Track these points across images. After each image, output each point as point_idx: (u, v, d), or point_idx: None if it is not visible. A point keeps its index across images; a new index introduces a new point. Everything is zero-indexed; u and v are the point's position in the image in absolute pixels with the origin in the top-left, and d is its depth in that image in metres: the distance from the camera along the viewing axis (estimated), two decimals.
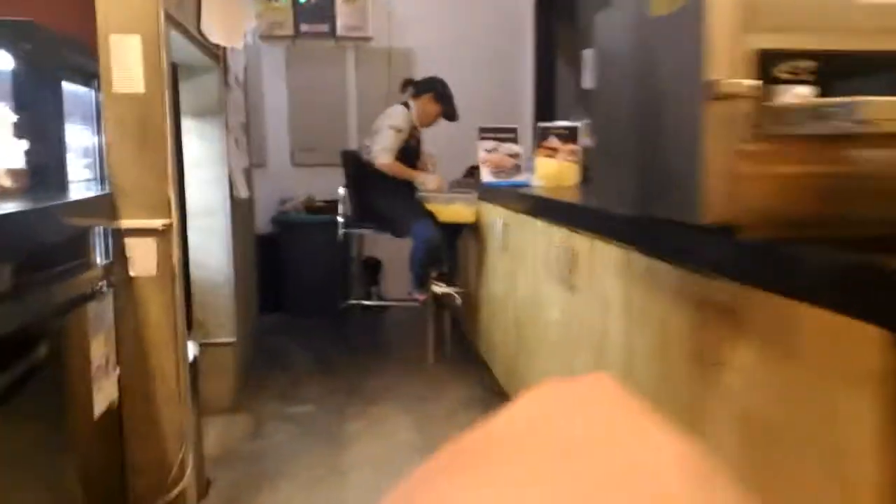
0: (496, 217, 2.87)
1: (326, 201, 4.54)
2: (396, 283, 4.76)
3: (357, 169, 3.44)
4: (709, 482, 0.20)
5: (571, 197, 2.49)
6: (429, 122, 3.49)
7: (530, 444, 0.22)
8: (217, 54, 2.65)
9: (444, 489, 0.21)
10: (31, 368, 1.32)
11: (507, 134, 3.31)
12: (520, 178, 3.23)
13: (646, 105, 1.23)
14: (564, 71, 4.88)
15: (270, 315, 4.36)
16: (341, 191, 3.46)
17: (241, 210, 3.11)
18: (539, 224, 2.23)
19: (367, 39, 4.78)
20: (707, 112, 1.05)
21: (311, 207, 4.50)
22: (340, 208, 3.45)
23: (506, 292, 2.71)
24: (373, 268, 4.67)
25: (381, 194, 3.30)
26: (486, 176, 3.23)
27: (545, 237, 2.17)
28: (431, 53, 4.81)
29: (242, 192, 2.84)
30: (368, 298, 4.60)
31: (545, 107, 4.84)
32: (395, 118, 3.32)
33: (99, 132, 2.19)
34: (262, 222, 4.54)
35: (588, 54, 3.84)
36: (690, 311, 1.24)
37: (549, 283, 2.12)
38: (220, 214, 2.72)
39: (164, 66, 1.84)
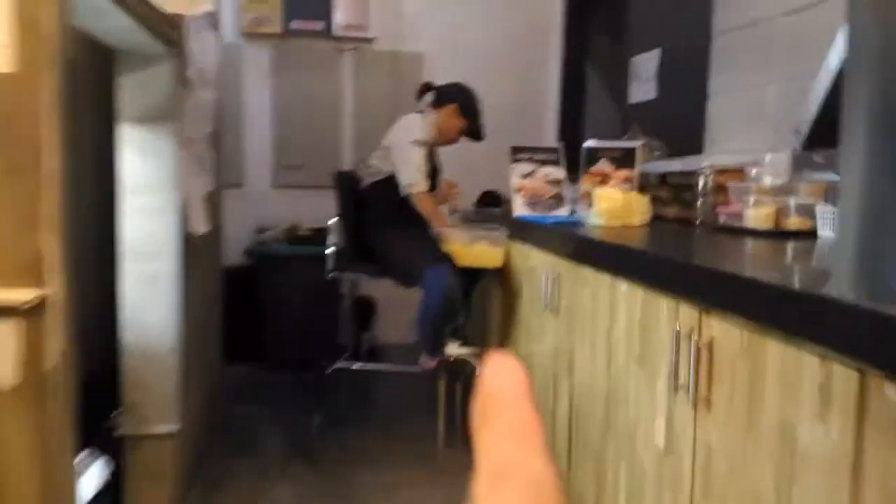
0: (538, 265, 2.16)
1: (313, 230, 3.82)
2: (393, 328, 4.03)
3: (353, 195, 2.72)
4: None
5: (637, 240, 1.79)
6: (449, 140, 2.78)
7: None
8: (171, 38, 1.94)
9: None
10: None
11: (546, 155, 2.61)
12: (560, 212, 2.52)
13: None
14: (596, 84, 4.21)
15: (239, 366, 3.62)
16: (332, 222, 2.73)
17: (200, 246, 2.38)
18: (624, 288, 1.52)
19: (368, 41, 4.10)
20: None
21: (294, 237, 3.78)
22: (330, 242, 2.71)
23: (554, 371, 1.99)
24: (365, 310, 3.95)
25: (385, 229, 2.58)
26: (519, 208, 2.52)
27: (636, 308, 1.46)
28: (443, 59, 4.13)
29: (199, 227, 2.12)
30: (358, 345, 3.87)
31: (572, 124, 4.16)
32: (416, 130, 2.62)
33: None
34: (235, 253, 3.81)
35: (643, 61, 3.16)
36: None
37: (648, 382, 1.40)
38: (167, 257, 1.99)
39: (55, 32, 1.12)
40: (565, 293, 1.90)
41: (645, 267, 1.41)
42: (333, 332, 3.71)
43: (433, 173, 2.72)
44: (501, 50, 4.27)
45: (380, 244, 2.54)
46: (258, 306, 3.72)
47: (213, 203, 2.77)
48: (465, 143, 2.93)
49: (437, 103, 2.77)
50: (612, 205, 2.06)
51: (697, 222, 2.19)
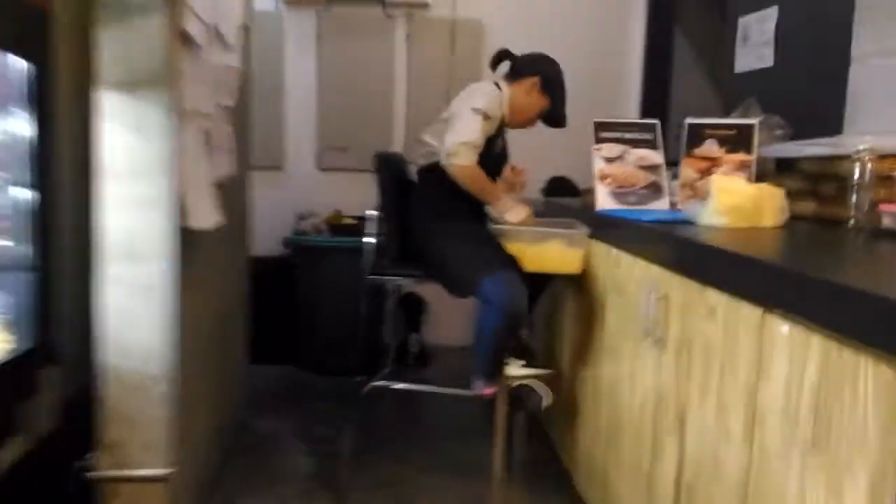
0: (634, 277, 1.66)
1: (359, 218, 3.40)
2: (445, 329, 3.59)
3: (398, 182, 2.26)
4: None
5: (788, 252, 1.27)
6: (524, 121, 2.27)
7: None
8: None
9: None
10: None
11: (640, 133, 2.09)
12: (657, 206, 2.00)
13: None
14: (686, 51, 3.62)
15: (269, 367, 3.26)
16: (370, 214, 2.28)
17: (212, 242, 1.97)
18: (785, 330, 1.01)
19: (423, 6, 3.62)
20: None
21: (337, 226, 3.36)
22: (368, 238, 2.26)
23: (653, 420, 1.49)
24: (414, 308, 3.51)
25: (436, 225, 2.11)
26: (604, 200, 2.01)
27: (810, 366, 0.95)
28: (507, 27, 3.62)
29: (203, 220, 1.69)
30: (405, 348, 3.45)
31: (659, 99, 3.59)
32: (484, 98, 2.11)
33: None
34: (273, 242, 3.43)
35: (755, 21, 2.58)
36: None
37: (834, 487, 0.89)
38: (158, 260, 1.58)
39: None
40: (677, 320, 1.39)
41: (836, 305, 0.89)
42: (377, 332, 3.29)
43: (498, 159, 2.22)
44: (573, 14, 3.72)
45: (428, 243, 2.07)
46: (294, 302, 3.34)
47: (235, 190, 2.36)
48: None
49: (515, 75, 2.26)
50: (738, 200, 1.53)
51: (850, 223, 1.64)
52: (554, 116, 2.23)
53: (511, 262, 1.94)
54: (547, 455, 2.34)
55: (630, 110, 3.69)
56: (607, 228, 1.89)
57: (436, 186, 2.14)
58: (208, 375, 2.01)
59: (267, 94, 3.52)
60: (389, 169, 2.23)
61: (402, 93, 3.69)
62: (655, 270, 1.49)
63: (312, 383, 3.15)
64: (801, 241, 1.44)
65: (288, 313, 3.35)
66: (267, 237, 3.46)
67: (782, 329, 1.01)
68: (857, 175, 1.62)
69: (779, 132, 2.19)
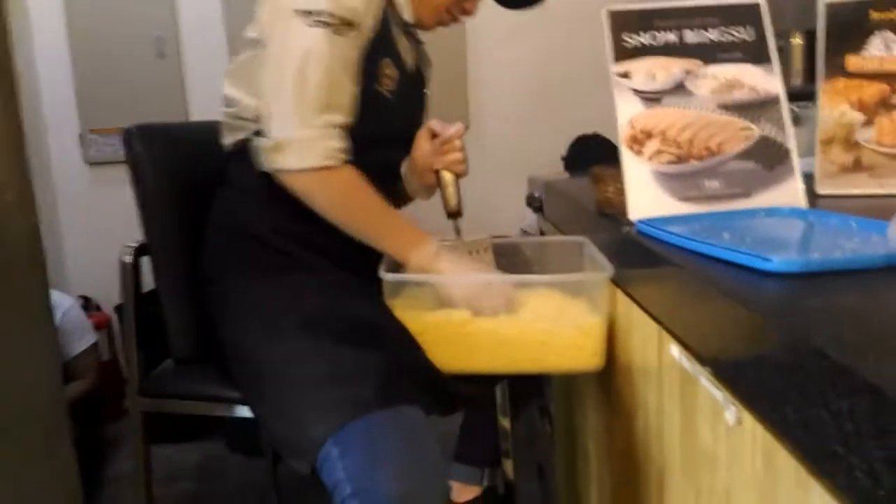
0: None
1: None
2: None
3: (194, 180, 1.03)
4: None
5: None
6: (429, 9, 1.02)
7: None
8: None
9: None
10: None
11: (721, 29, 0.88)
12: (779, 196, 0.80)
13: None
14: None
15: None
16: (126, 258, 1.06)
17: None
18: None
19: None
20: None
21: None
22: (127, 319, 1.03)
23: None
24: None
25: (241, 281, 0.93)
26: (644, 197, 0.79)
27: None
28: None
29: None
30: None
31: None
32: None
33: None
34: None
35: None
36: None
37: None
38: None
39: None
40: None
41: None
42: None
43: (402, 130, 1.02)
44: None
45: (231, 322, 0.91)
46: None
47: None
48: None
49: None
50: None
51: None
52: None
53: (411, 380, 0.76)
54: None
55: None
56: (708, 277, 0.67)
57: (255, 192, 0.93)
58: None
59: None
60: (160, 156, 0.98)
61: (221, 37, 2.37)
62: None
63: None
64: None
65: None
66: None
67: None
68: None
69: None
